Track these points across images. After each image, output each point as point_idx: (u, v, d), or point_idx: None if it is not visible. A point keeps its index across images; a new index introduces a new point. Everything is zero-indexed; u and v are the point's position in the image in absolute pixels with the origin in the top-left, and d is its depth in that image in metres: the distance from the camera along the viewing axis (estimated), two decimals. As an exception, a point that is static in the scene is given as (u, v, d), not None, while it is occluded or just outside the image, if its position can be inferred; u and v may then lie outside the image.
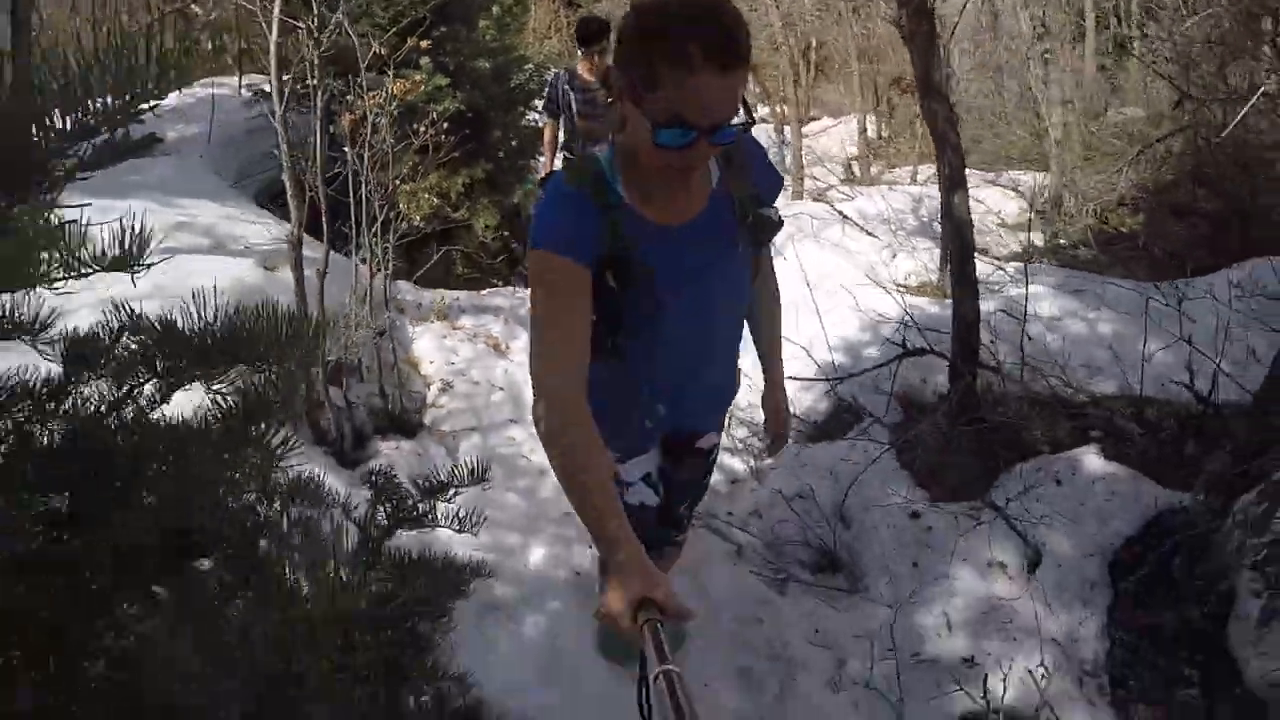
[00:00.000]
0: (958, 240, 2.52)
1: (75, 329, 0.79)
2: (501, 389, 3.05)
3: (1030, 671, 2.03)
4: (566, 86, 3.67)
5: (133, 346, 0.77)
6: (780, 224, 1.35)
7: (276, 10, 1.91)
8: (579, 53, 3.69)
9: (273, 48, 1.97)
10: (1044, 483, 2.57)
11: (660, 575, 0.93)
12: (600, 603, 0.92)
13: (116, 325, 0.78)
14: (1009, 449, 2.77)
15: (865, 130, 6.05)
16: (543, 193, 1.25)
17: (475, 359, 3.15)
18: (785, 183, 1.56)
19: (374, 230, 2.72)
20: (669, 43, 0.98)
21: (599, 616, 0.92)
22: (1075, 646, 2.18)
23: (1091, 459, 2.62)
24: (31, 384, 0.74)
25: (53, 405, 0.75)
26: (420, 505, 1.04)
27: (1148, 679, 2.18)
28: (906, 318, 3.04)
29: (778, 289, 1.60)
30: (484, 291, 3.81)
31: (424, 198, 3.75)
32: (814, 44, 10.58)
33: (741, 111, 1.07)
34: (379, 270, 3.00)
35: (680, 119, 1.02)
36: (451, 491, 1.02)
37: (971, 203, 5.01)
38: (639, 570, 0.91)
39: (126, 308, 0.78)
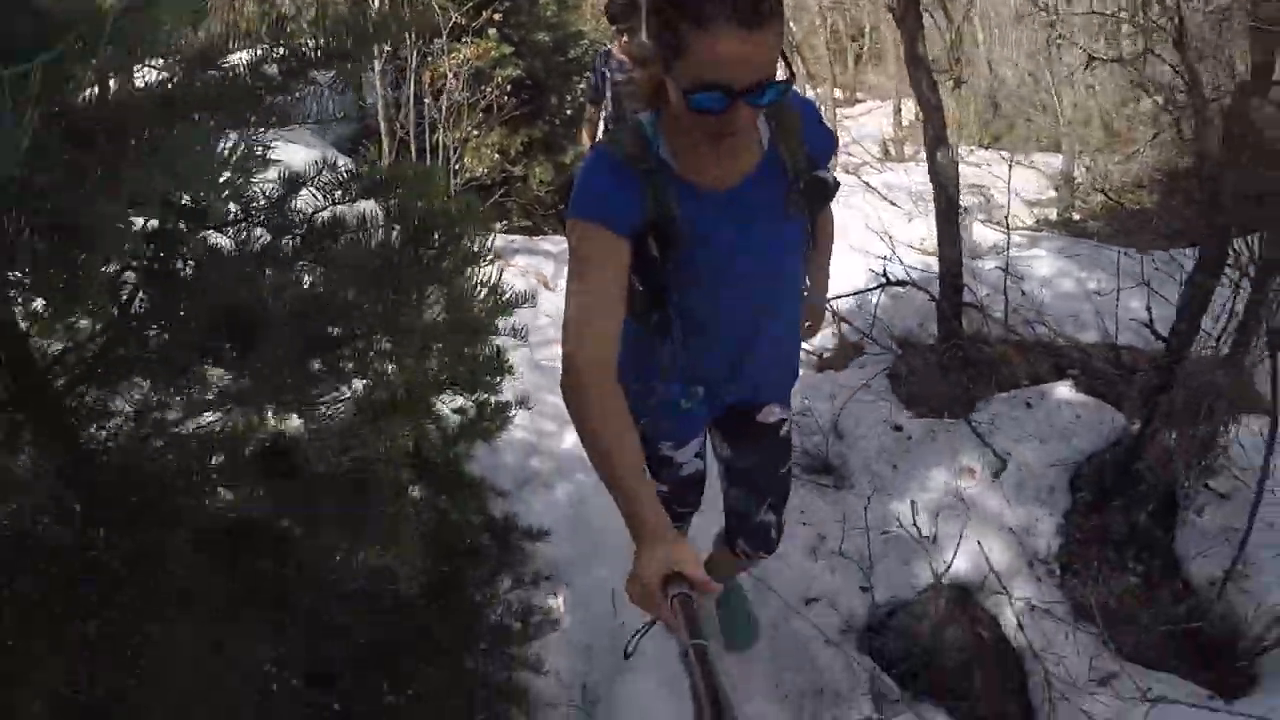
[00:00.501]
0: (941, 190, 2.88)
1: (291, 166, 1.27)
2: (548, 316, 3.52)
3: (981, 548, 2.41)
4: (604, 69, 3.70)
5: (329, 178, 1.24)
6: (836, 185, 1.28)
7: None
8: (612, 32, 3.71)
9: (374, 14, 2.45)
10: (1018, 407, 2.93)
11: (689, 548, 0.92)
12: (628, 577, 0.93)
13: (320, 166, 1.25)
14: (991, 381, 3.13)
15: (900, 110, 6.36)
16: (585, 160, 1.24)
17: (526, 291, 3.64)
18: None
19: (447, 172, 3.22)
20: (690, 5, 0.96)
21: (627, 592, 0.92)
22: (1030, 539, 2.54)
23: (1064, 390, 2.95)
24: (265, 193, 1.21)
25: (275, 209, 1.23)
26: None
27: (1095, 566, 2.53)
28: (891, 254, 3.42)
29: (832, 223, 1.54)
30: (536, 237, 4.30)
31: (485, 152, 4.23)
32: (867, 29, 10.80)
33: (781, 71, 1.04)
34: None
35: (711, 83, 0.98)
36: (513, 310, 1.47)
37: (994, 179, 5.31)
38: (667, 544, 0.91)
39: (328, 157, 1.25)
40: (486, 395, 1.76)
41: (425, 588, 1.48)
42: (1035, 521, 2.55)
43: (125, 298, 1.09)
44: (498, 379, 1.66)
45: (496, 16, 3.82)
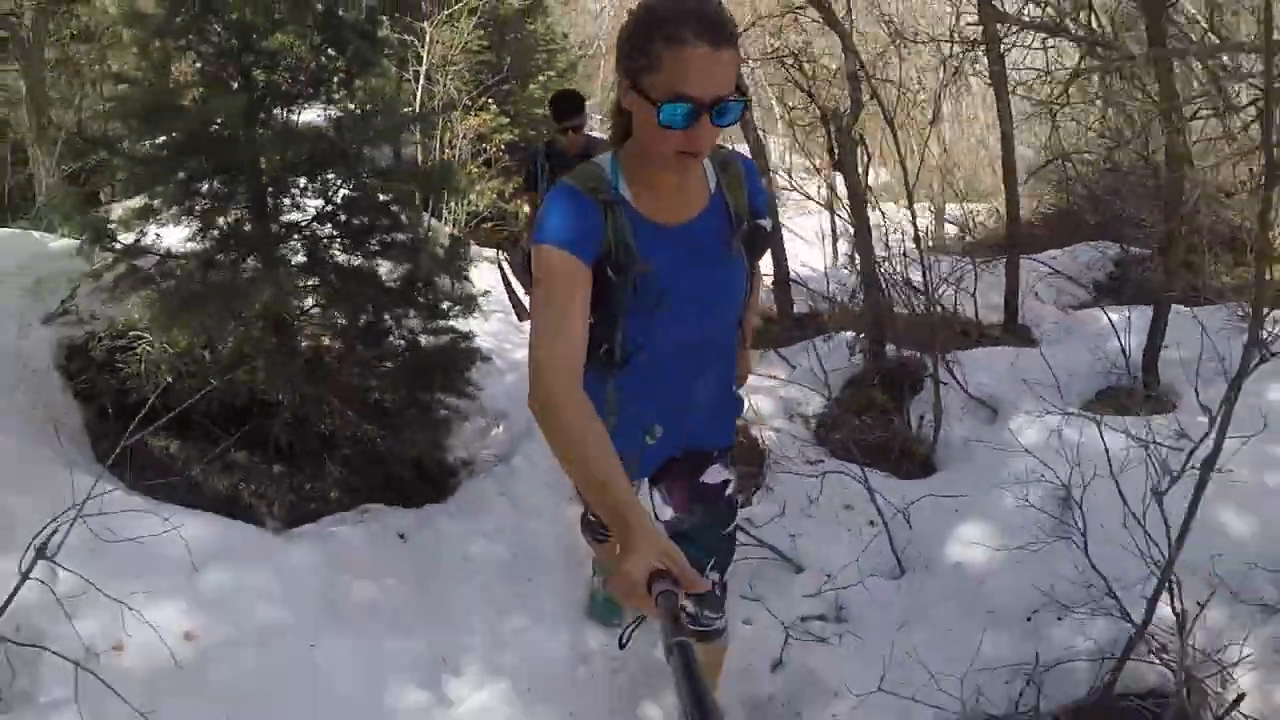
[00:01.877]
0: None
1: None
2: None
3: (752, 404, 4.41)
4: (545, 161, 4.15)
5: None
6: (772, 234, 1.58)
7: (423, 74, 4.79)
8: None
9: (418, 95, 4.80)
10: (817, 344, 5.01)
11: (672, 546, 1.05)
12: (613, 576, 1.04)
13: (404, 161, 3.57)
14: (812, 333, 5.22)
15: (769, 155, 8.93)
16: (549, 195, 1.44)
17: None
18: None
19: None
20: (664, 25, 1.25)
21: (613, 589, 1.05)
22: (800, 407, 4.57)
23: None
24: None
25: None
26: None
27: (843, 425, 4.52)
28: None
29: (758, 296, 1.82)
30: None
31: (487, 195, 6.61)
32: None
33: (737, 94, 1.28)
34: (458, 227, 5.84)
35: (681, 94, 1.25)
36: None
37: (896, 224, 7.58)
38: (651, 542, 1.04)
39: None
40: (464, 284, 3.95)
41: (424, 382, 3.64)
42: (807, 399, 4.60)
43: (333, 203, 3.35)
44: (467, 269, 3.86)
45: (494, 101, 6.26)
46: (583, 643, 2.54)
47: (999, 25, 4.52)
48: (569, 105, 4.02)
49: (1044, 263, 5.66)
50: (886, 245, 4.75)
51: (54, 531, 1.76)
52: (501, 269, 4.75)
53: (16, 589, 1.73)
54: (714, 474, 1.75)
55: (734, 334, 1.65)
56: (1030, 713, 2.25)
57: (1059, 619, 2.63)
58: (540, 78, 7.15)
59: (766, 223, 1.57)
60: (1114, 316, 4.71)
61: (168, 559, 2.15)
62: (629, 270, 1.41)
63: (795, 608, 2.92)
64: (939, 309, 4.78)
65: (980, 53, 4.36)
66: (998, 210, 7.26)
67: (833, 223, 6.75)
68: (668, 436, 1.65)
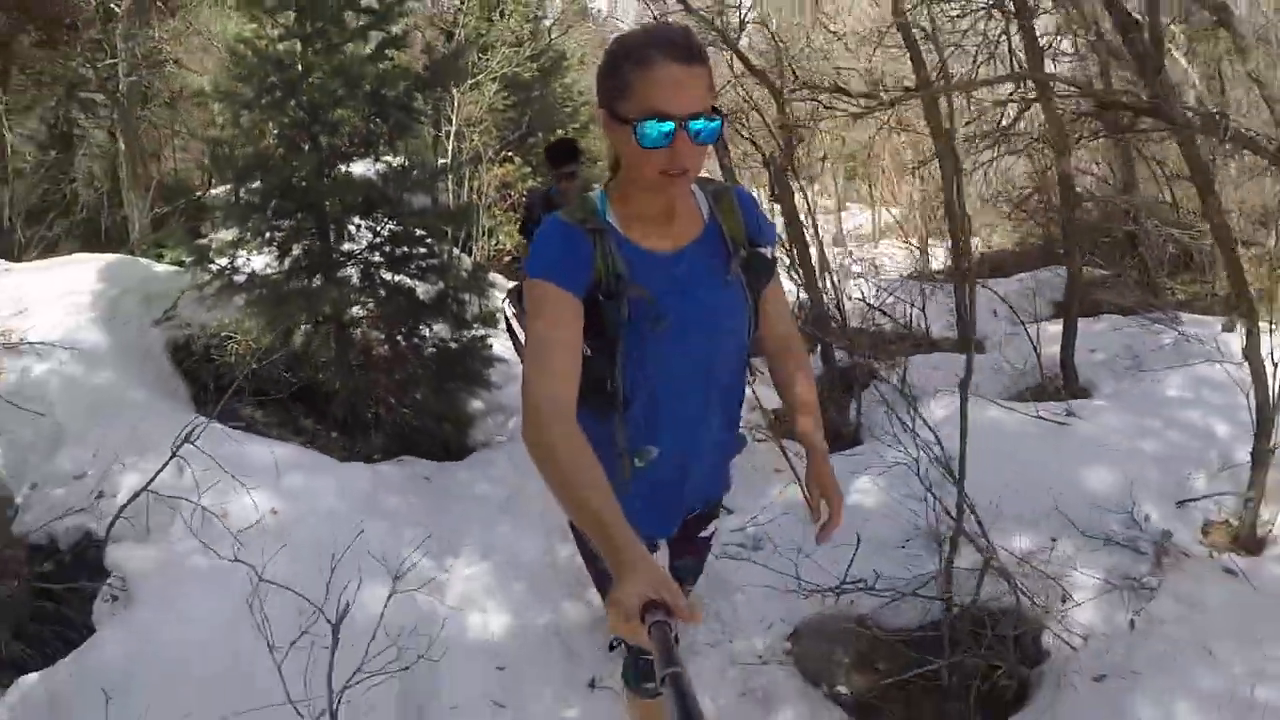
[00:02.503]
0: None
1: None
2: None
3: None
4: (543, 212, 4.02)
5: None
6: (774, 261, 1.61)
7: (453, 133, 5.95)
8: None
9: (450, 150, 5.95)
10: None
11: (667, 576, 1.07)
12: (607, 605, 1.06)
13: (440, 205, 4.71)
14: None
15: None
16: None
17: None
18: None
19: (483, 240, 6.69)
20: (634, 51, 1.35)
21: (609, 618, 1.05)
22: (763, 403, 5.52)
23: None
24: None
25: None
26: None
27: None
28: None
29: (801, 349, 1.74)
30: (537, 283, 7.75)
31: (513, 235, 7.74)
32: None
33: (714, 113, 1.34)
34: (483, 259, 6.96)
35: (655, 111, 1.32)
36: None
37: (878, 253, 8.54)
38: (645, 572, 1.06)
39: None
40: (485, 301, 5.02)
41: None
42: (771, 398, 5.54)
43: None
44: (487, 288, 4.93)
45: (517, 154, 7.42)
46: (553, 550, 3.49)
47: (932, 79, 5.53)
48: (563, 153, 4.27)
49: (990, 288, 6.55)
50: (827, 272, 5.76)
51: (191, 429, 2.82)
52: (506, 319, 5.67)
53: (166, 463, 2.80)
54: (709, 528, 1.89)
55: (741, 376, 1.66)
56: (859, 583, 3.11)
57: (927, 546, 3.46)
58: (559, 131, 8.31)
59: (768, 250, 1.60)
60: (1052, 328, 5.61)
61: (261, 465, 3.21)
62: (621, 296, 1.44)
63: (721, 539, 3.82)
64: (890, 322, 5.73)
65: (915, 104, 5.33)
66: (981, 242, 8.21)
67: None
68: (665, 510, 1.68)
